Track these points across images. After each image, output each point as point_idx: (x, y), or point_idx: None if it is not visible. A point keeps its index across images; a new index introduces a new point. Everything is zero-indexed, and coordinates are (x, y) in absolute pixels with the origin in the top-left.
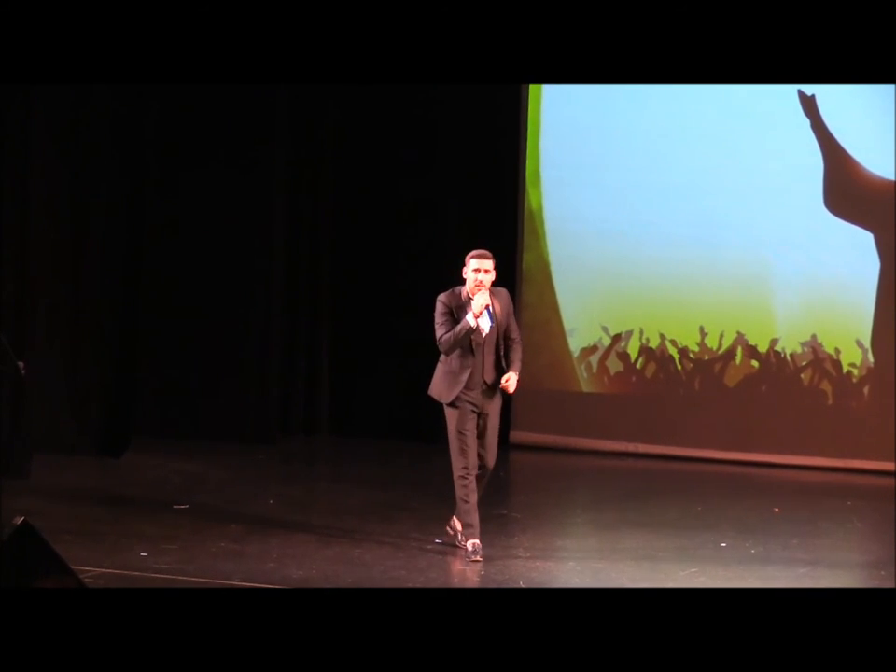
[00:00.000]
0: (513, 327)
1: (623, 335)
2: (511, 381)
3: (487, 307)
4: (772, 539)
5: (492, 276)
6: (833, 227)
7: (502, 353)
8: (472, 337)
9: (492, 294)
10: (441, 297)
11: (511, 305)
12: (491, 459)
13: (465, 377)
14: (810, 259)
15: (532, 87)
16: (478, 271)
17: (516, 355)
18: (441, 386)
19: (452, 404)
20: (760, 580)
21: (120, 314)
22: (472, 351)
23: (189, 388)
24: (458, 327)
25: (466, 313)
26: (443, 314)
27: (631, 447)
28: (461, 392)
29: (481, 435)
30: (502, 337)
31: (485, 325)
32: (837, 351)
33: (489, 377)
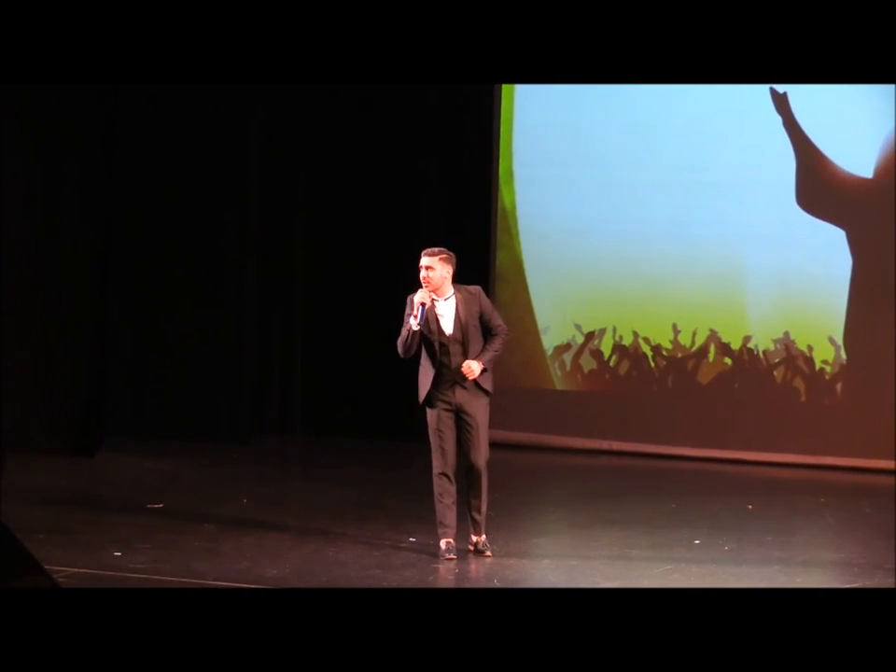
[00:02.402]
0: (494, 322)
1: (596, 333)
2: (466, 367)
3: (422, 304)
4: (746, 536)
5: (441, 272)
6: (806, 224)
7: (469, 350)
8: (434, 337)
9: (458, 292)
10: (409, 297)
11: (484, 301)
12: (479, 458)
13: (431, 377)
14: (783, 256)
15: (504, 86)
16: (421, 269)
17: (490, 345)
18: (419, 386)
19: (427, 404)
20: (734, 577)
21: (93, 313)
22: (437, 351)
23: (162, 388)
24: (404, 330)
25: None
26: (407, 315)
27: (605, 445)
28: (433, 391)
29: (464, 434)
30: (472, 336)
31: (446, 326)
32: (810, 348)
33: (461, 377)
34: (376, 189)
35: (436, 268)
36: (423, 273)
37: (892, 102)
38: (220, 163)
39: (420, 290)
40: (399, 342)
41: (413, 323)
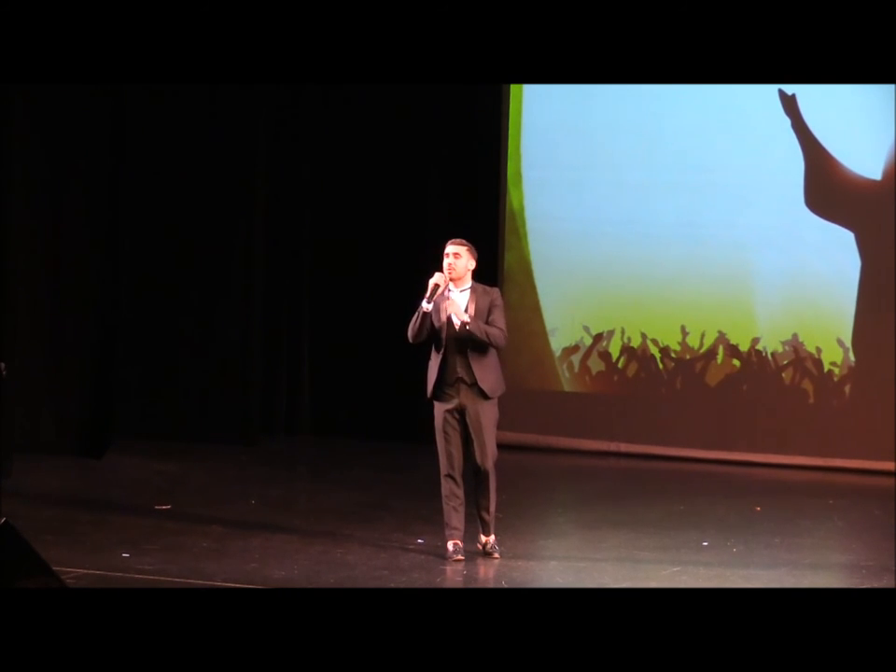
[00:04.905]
0: (497, 324)
1: (604, 335)
2: (456, 305)
3: (436, 285)
4: (753, 538)
5: (465, 263)
6: (814, 226)
7: (474, 344)
8: (438, 327)
9: (475, 287)
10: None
11: (496, 300)
12: (486, 460)
13: (436, 371)
14: (791, 258)
15: (513, 87)
16: (447, 255)
17: (486, 324)
18: (427, 381)
19: (435, 398)
20: (742, 579)
21: (101, 315)
22: (442, 344)
23: (170, 389)
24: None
25: (442, 304)
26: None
27: (612, 446)
28: (439, 385)
29: (471, 435)
30: None
31: (456, 319)
32: (818, 350)
33: (464, 374)
34: (384, 190)
35: (462, 256)
36: (448, 260)
37: None
38: (227, 164)
39: (437, 273)
40: (409, 324)
41: (424, 303)
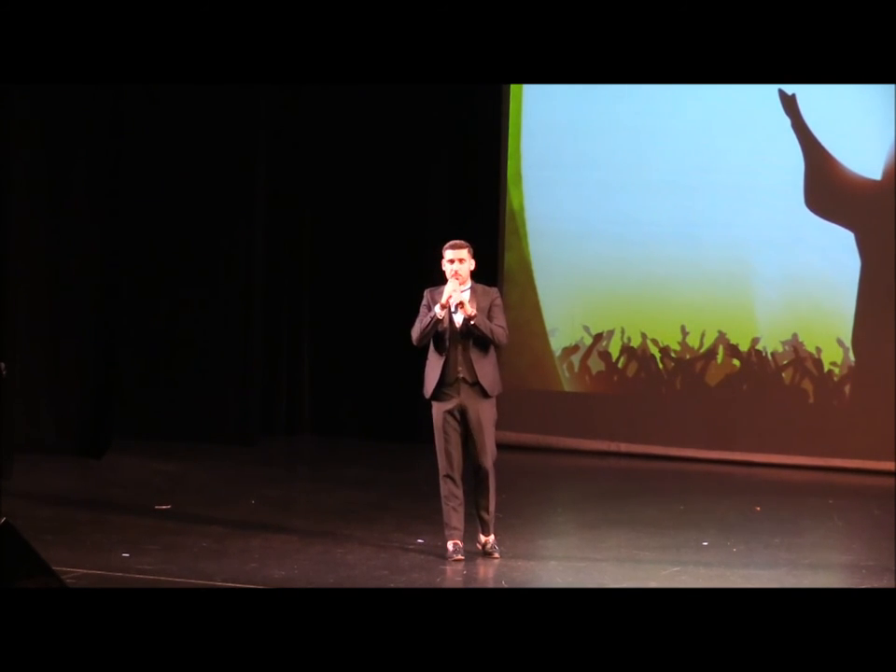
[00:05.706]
0: (497, 322)
1: (604, 334)
2: (460, 301)
3: (453, 292)
4: (754, 537)
5: (469, 265)
6: (814, 226)
7: (475, 343)
8: (442, 329)
9: (474, 292)
10: (427, 290)
11: (495, 302)
12: (486, 459)
13: (438, 371)
14: (791, 258)
15: (513, 87)
16: (451, 261)
17: (489, 321)
18: (425, 381)
19: (434, 399)
20: (742, 579)
21: (101, 315)
22: (445, 344)
23: (170, 389)
24: (426, 316)
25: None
26: (424, 306)
27: (612, 446)
28: (440, 385)
29: (470, 435)
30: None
31: (458, 319)
32: (818, 350)
33: (465, 373)
34: (384, 190)
35: (466, 260)
36: (454, 266)
37: None
38: (227, 164)
39: (449, 282)
40: (418, 327)
41: (438, 311)
